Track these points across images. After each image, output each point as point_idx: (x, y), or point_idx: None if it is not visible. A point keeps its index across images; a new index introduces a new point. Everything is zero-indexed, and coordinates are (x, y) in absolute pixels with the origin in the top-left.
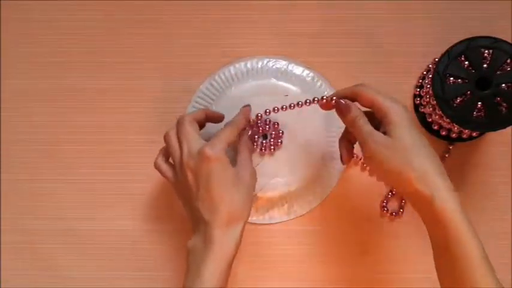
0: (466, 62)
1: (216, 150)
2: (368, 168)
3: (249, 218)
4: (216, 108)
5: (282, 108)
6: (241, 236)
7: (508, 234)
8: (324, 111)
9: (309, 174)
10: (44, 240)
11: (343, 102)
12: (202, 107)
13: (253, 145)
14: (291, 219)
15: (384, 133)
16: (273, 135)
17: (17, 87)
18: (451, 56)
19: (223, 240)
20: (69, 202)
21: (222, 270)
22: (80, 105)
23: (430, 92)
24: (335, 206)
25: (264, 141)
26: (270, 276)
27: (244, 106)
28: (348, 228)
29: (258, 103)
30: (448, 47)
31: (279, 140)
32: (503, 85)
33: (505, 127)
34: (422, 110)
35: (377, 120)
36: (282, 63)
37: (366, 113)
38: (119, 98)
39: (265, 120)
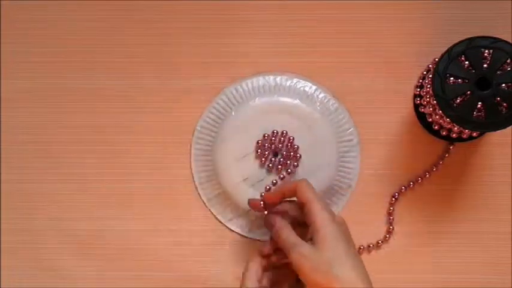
0: (466, 62)
1: None
2: None
3: (252, 235)
4: (222, 130)
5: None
6: None
7: (508, 234)
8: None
9: (324, 186)
10: (44, 240)
11: (269, 216)
12: (208, 131)
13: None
14: None
15: (311, 239)
16: (291, 156)
17: (17, 87)
18: (451, 56)
19: None
20: (69, 202)
21: None
22: (80, 106)
23: (430, 92)
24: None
25: (274, 159)
26: None
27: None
28: None
29: (267, 122)
30: (448, 47)
31: (295, 163)
32: (503, 85)
33: (505, 127)
34: (422, 110)
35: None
36: (278, 79)
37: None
38: (119, 98)
39: (277, 137)
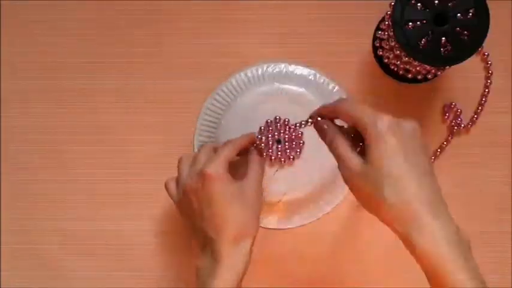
0: (419, 4)
1: (216, 169)
2: None
3: (269, 225)
4: (225, 122)
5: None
6: (250, 252)
7: (508, 234)
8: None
9: (323, 176)
10: (44, 241)
11: (320, 124)
12: (210, 124)
13: (265, 155)
14: (304, 224)
15: (364, 154)
16: (293, 143)
17: (16, 87)
18: (403, 2)
19: (231, 258)
20: (69, 202)
21: (234, 286)
22: (80, 106)
23: (392, 42)
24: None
25: (279, 146)
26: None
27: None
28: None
29: (267, 109)
30: None
31: (298, 150)
32: (459, 15)
33: (473, 53)
34: (380, 54)
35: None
36: (281, 66)
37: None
38: (119, 98)
39: (279, 123)
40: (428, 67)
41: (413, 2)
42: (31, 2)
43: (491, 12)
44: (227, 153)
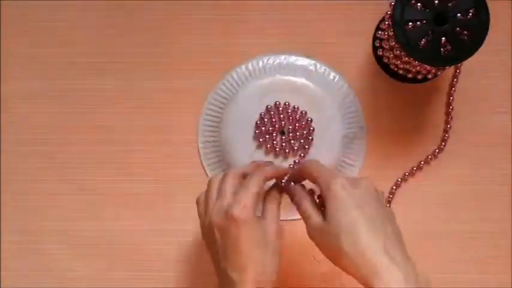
0: (419, 4)
1: (244, 212)
2: None
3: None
4: (227, 116)
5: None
6: None
7: (508, 234)
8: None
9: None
10: (44, 241)
11: (289, 187)
12: (214, 118)
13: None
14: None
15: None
16: (297, 134)
17: (17, 87)
18: (403, 2)
19: None
20: (69, 202)
21: None
22: (81, 106)
23: (392, 42)
24: None
25: (284, 137)
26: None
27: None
28: None
29: (269, 102)
30: None
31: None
32: (459, 15)
33: (473, 53)
34: (380, 54)
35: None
36: (281, 58)
37: None
38: (120, 98)
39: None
40: (428, 67)
41: (413, 2)
42: (31, 2)
43: (491, 12)
44: (256, 191)
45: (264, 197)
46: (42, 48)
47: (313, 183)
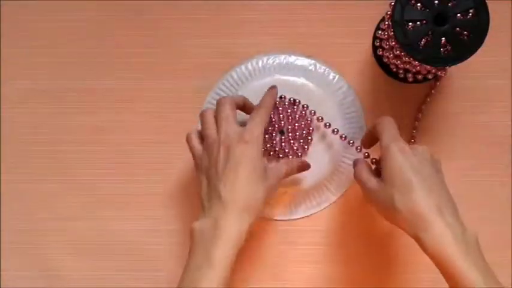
0: (418, 4)
1: (255, 135)
2: None
3: (272, 215)
4: None
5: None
6: (250, 228)
7: (508, 233)
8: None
9: (328, 167)
10: (44, 241)
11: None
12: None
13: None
14: (307, 216)
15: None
16: (297, 134)
17: (17, 87)
18: (403, 2)
19: (236, 226)
20: (69, 202)
21: (232, 257)
22: (80, 106)
23: (392, 42)
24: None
25: (283, 137)
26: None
27: (271, 87)
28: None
29: None
30: None
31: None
32: (459, 15)
33: (473, 52)
34: (380, 53)
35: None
36: (281, 58)
37: None
38: (119, 98)
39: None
40: (428, 67)
41: (413, 2)
42: (31, 2)
43: (491, 12)
44: (264, 119)
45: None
46: (42, 48)
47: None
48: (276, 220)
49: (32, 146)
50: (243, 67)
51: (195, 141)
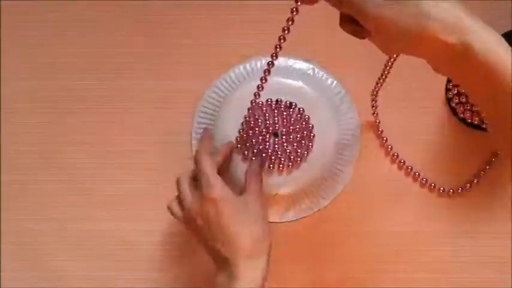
0: None
1: (215, 189)
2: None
3: (275, 218)
4: (223, 113)
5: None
6: (267, 266)
7: (508, 233)
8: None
9: (320, 171)
10: (44, 241)
11: None
12: (208, 116)
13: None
14: (301, 218)
15: None
16: (291, 137)
17: (17, 87)
18: None
19: (247, 275)
20: (68, 202)
21: None
22: (80, 106)
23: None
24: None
25: (277, 140)
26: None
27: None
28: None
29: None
30: None
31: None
32: None
33: None
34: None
35: None
36: (279, 60)
37: None
38: (118, 98)
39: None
40: None
41: None
42: (31, 2)
43: (491, 12)
44: (214, 167)
45: (245, 174)
46: (42, 48)
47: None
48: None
49: (31, 146)
50: (241, 67)
51: (175, 209)
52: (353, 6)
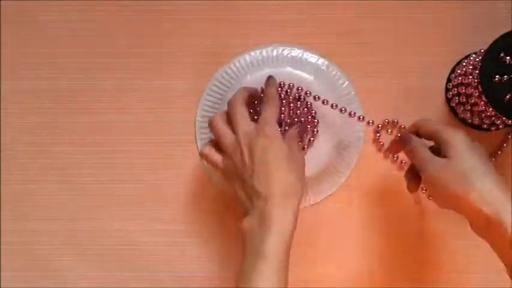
0: (508, 57)
1: (272, 128)
2: (428, 194)
3: None
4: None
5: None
6: (297, 211)
7: None
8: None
9: (323, 162)
10: (43, 241)
11: (407, 133)
12: (217, 95)
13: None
14: (304, 207)
15: (444, 157)
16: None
17: (17, 87)
18: (493, 54)
19: (281, 216)
20: (68, 202)
21: (285, 247)
22: (80, 106)
23: (471, 91)
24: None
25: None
26: None
27: (268, 78)
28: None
29: None
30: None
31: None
32: None
33: None
34: (453, 105)
35: (438, 149)
36: (297, 52)
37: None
38: (118, 98)
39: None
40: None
41: (502, 55)
42: (31, 2)
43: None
44: (276, 113)
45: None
46: (42, 48)
47: (429, 136)
48: None
49: (31, 146)
50: (257, 52)
51: (214, 156)
52: (419, 160)
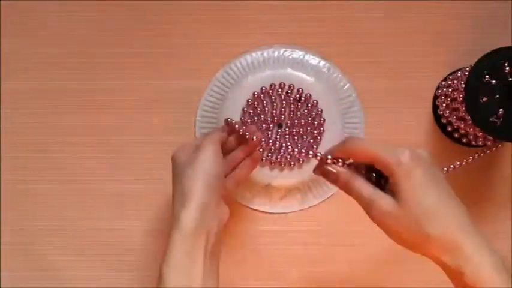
0: (493, 81)
1: (177, 149)
2: None
3: (263, 207)
4: (231, 96)
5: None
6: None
7: (508, 233)
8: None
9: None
10: (44, 241)
11: (328, 168)
12: (218, 95)
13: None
14: (304, 209)
15: (393, 191)
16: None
17: (17, 87)
18: (478, 75)
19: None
20: (68, 202)
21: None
22: (79, 106)
23: (457, 105)
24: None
25: (280, 131)
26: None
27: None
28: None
29: None
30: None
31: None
32: None
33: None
34: (440, 113)
35: (380, 174)
36: (298, 54)
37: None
38: (118, 98)
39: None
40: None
41: (487, 77)
42: (31, 2)
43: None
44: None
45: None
46: (42, 48)
47: (366, 161)
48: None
49: (31, 146)
50: (258, 53)
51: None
52: (359, 200)
